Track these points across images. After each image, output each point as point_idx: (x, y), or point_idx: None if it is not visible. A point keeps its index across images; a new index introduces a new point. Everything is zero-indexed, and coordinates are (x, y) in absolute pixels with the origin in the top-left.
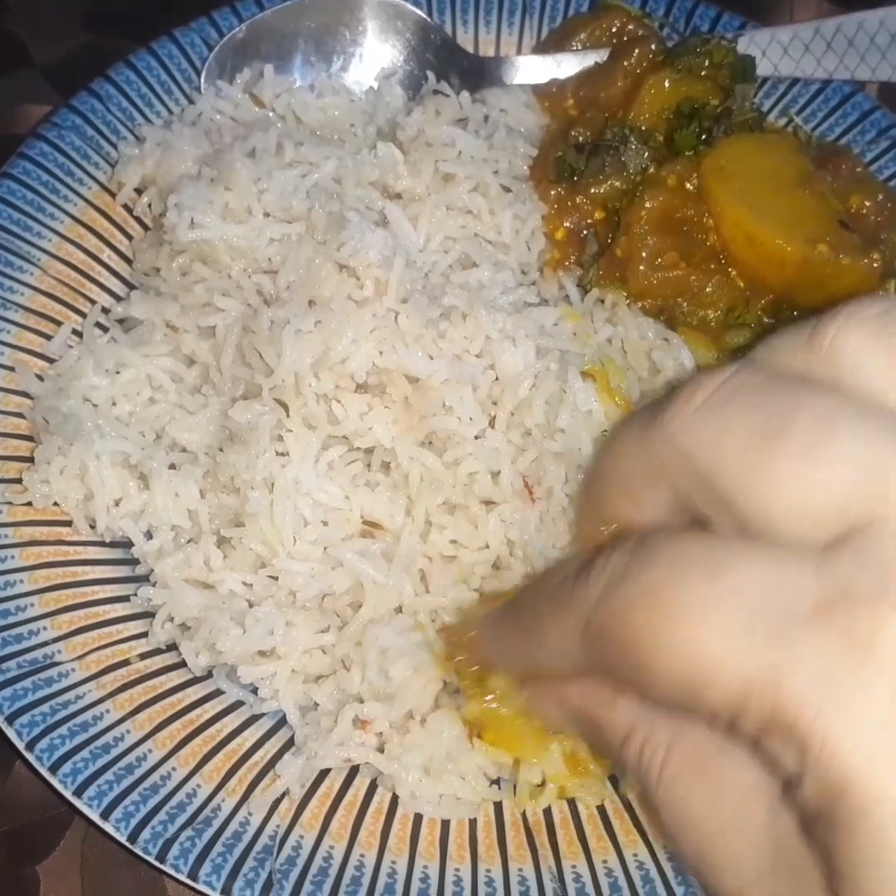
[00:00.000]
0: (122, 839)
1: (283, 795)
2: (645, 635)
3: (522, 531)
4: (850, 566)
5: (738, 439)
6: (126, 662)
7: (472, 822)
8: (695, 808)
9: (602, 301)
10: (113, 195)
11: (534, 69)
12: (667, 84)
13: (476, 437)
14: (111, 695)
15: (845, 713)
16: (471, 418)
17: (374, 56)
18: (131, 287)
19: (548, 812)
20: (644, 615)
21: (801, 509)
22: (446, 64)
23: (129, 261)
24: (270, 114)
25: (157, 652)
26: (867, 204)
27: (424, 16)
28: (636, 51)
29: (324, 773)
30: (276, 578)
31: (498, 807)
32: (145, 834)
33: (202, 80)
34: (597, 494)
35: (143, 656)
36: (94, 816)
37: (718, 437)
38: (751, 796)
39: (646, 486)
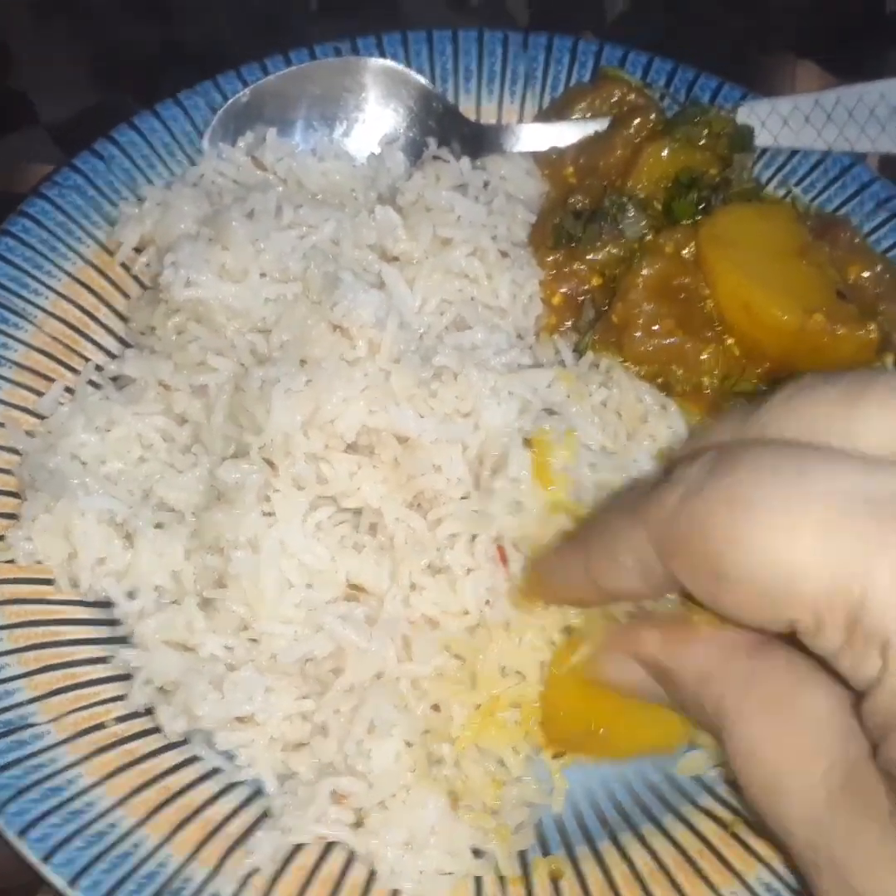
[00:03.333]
0: None
1: (256, 868)
2: (729, 537)
3: (495, 597)
4: None
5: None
6: (102, 726)
7: None
8: (769, 741)
9: (597, 365)
10: (111, 254)
11: (534, 137)
12: (665, 153)
13: (462, 499)
14: (86, 758)
15: None
16: (459, 479)
17: (377, 122)
18: (126, 345)
19: (529, 891)
20: (728, 516)
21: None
22: (448, 131)
23: (124, 320)
24: (271, 177)
25: (134, 715)
26: (865, 275)
27: (427, 83)
28: (636, 120)
29: (301, 844)
30: (257, 641)
31: (478, 883)
32: None
33: (205, 142)
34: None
35: (119, 720)
36: (61, 885)
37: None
38: (825, 725)
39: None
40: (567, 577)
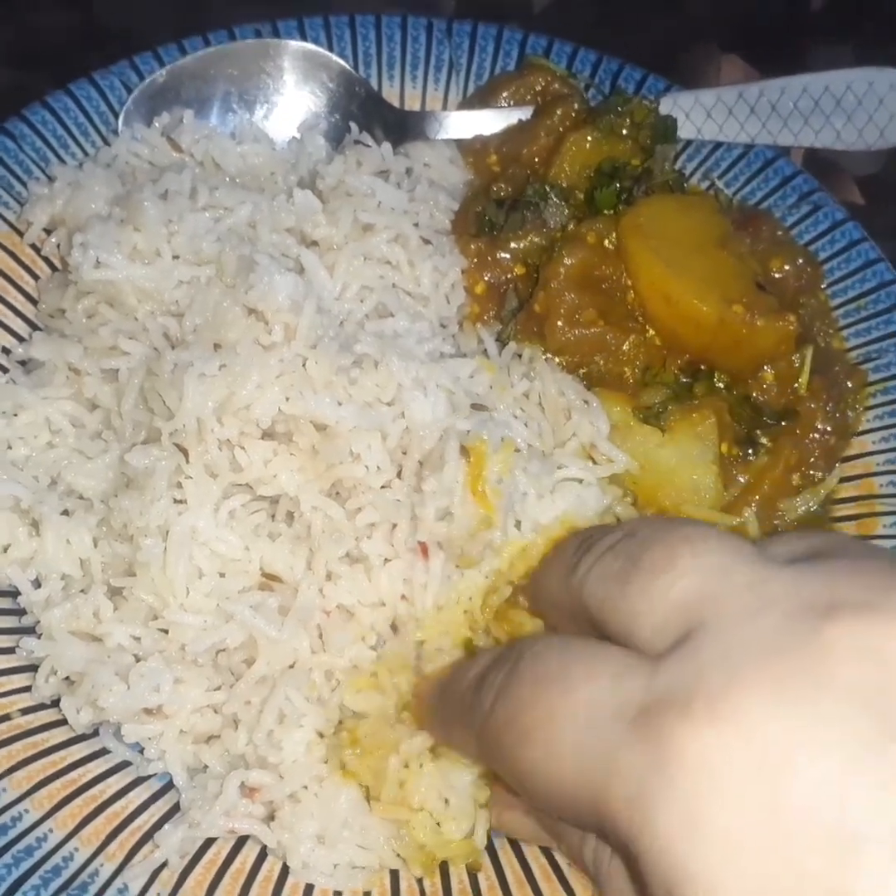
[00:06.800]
0: None
1: (165, 863)
2: (514, 756)
3: (412, 589)
4: (671, 672)
5: (610, 579)
6: (7, 717)
7: (367, 894)
8: None
9: (519, 355)
10: (21, 235)
11: (458, 125)
12: (588, 142)
13: (383, 487)
14: None
15: (653, 820)
16: (378, 467)
17: (297, 106)
18: (36, 328)
19: (446, 883)
20: (511, 737)
21: (648, 619)
22: (371, 116)
23: (34, 302)
24: (188, 159)
25: (40, 707)
26: (787, 267)
27: (349, 67)
28: (559, 109)
29: (211, 838)
30: (166, 632)
31: (394, 876)
32: None
33: (120, 123)
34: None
35: (24, 711)
36: None
37: (599, 584)
38: None
39: (561, 607)
40: (431, 724)
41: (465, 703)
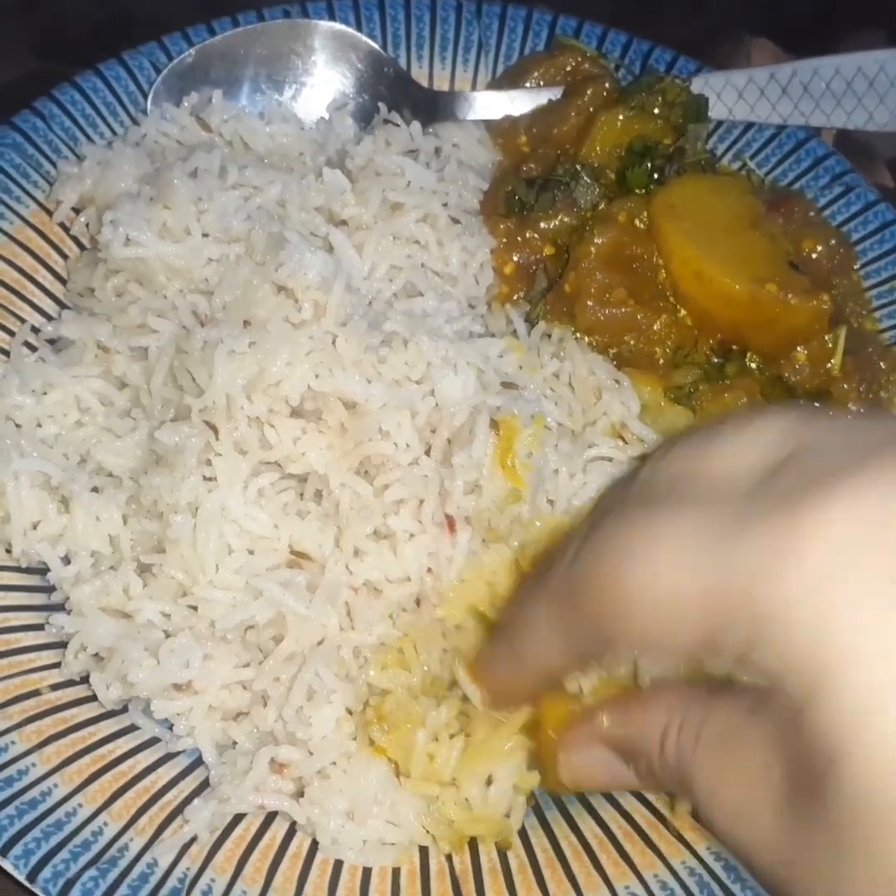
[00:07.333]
0: (21, 877)
1: (195, 837)
2: (608, 592)
3: (437, 563)
4: (776, 483)
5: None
6: (36, 693)
7: (396, 870)
8: (725, 779)
9: (549, 335)
10: (50, 214)
11: (488, 105)
12: (619, 121)
13: (411, 464)
14: (18, 726)
15: (788, 590)
16: (407, 445)
17: (326, 86)
18: (65, 307)
19: (476, 860)
20: (604, 570)
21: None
22: (399, 97)
23: (63, 281)
24: (217, 138)
25: (69, 683)
26: (819, 248)
27: (378, 48)
28: (590, 89)
29: (240, 814)
30: (196, 608)
31: (424, 853)
32: (46, 872)
33: (149, 102)
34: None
35: (54, 687)
36: None
37: None
38: (769, 749)
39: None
40: (503, 670)
41: (534, 595)
